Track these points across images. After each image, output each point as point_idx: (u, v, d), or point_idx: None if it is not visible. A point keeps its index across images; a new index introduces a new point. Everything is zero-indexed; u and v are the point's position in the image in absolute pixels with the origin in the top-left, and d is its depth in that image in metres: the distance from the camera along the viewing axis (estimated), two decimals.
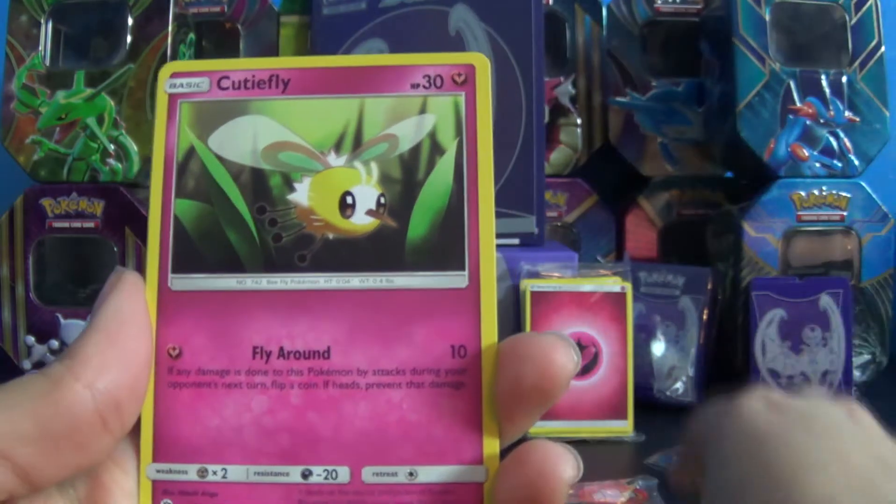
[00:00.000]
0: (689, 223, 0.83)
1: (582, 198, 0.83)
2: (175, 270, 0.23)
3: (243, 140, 0.23)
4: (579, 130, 0.83)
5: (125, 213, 0.69)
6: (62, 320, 0.69)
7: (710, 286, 0.71)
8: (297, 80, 0.23)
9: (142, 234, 0.69)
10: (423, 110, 0.23)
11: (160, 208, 0.23)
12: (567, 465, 0.20)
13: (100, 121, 0.70)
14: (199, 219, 0.23)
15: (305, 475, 0.22)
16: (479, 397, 0.22)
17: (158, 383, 0.22)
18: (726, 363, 0.73)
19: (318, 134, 0.23)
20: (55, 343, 0.69)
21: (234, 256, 0.23)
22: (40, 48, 0.71)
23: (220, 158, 0.23)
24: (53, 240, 0.71)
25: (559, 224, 0.83)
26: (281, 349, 0.22)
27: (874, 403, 0.74)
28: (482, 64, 0.23)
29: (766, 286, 0.69)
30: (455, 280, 0.22)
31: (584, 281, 0.63)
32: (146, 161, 0.70)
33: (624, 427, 0.62)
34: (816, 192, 0.72)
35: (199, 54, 0.81)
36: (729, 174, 0.84)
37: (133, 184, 0.71)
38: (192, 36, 0.76)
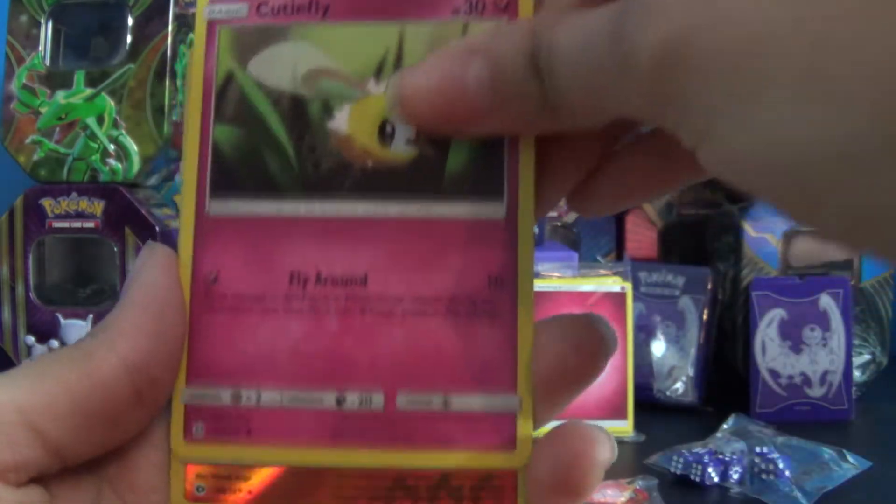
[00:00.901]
0: (689, 223, 0.82)
1: None
2: (213, 196, 0.22)
3: (283, 66, 0.23)
4: None
5: (125, 213, 0.69)
6: (62, 320, 0.69)
7: (710, 286, 0.71)
8: (337, 4, 0.23)
9: (142, 235, 0.69)
10: (464, 36, 0.22)
11: (198, 134, 0.22)
12: (603, 447, 0.19)
13: (100, 121, 0.70)
14: (238, 145, 0.22)
15: (339, 401, 0.21)
16: (513, 327, 0.21)
17: (194, 308, 0.22)
18: (726, 363, 0.73)
19: (359, 61, 0.22)
20: (55, 343, 0.69)
21: (272, 182, 0.22)
22: (40, 48, 0.71)
23: (259, 84, 0.23)
24: (53, 240, 0.71)
25: (559, 224, 0.83)
26: (318, 275, 0.22)
27: (874, 403, 0.74)
28: None
29: (766, 286, 0.69)
30: (493, 210, 0.22)
31: (584, 281, 0.63)
32: (146, 161, 0.70)
33: (624, 427, 0.62)
34: None
35: None
36: None
37: (133, 184, 0.71)
38: (192, 36, 0.76)
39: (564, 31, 0.18)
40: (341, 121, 0.22)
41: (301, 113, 0.22)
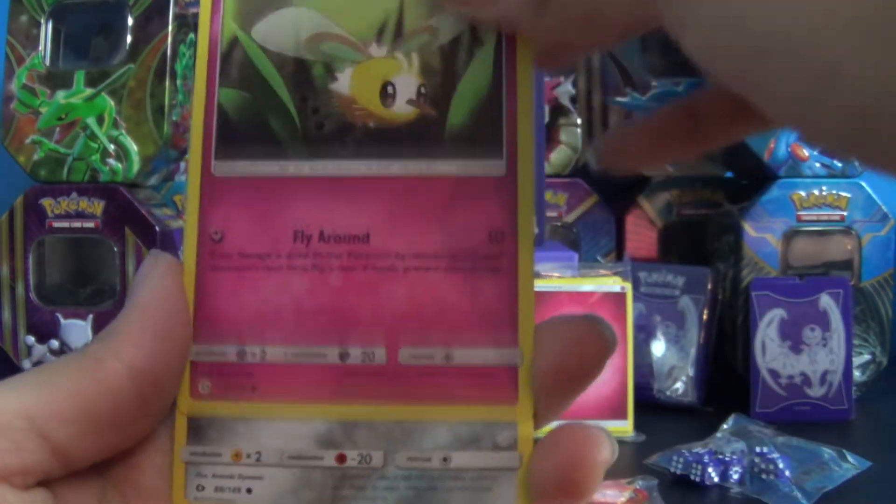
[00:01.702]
0: (689, 223, 0.82)
1: (582, 198, 0.83)
2: (218, 156, 0.23)
3: (286, 31, 0.23)
4: (579, 130, 0.83)
5: (125, 213, 0.69)
6: (62, 320, 0.69)
7: (710, 286, 0.71)
8: None
9: (142, 235, 0.69)
10: None
11: (204, 96, 0.23)
12: (603, 448, 0.20)
13: (100, 121, 0.70)
14: (243, 107, 0.23)
15: (343, 356, 0.22)
16: (514, 282, 0.22)
17: (200, 267, 0.22)
18: (726, 363, 0.73)
19: (360, 24, 0.23)
20: (55, 343, 0.69)
21: (276, 143, 0.23)
22: (40, 48, 0.71)
23: (263, 49, 0.23)
24: (53, 240, 0.71)
25: (559, 224, 0.83)
26: (321, 233, 0.22)
27: (874, 403, 0.74)
28: None
29: (766, 286, 0.69)
30: (493, 167, 0.22)
31: (584, 281, 0.63)
32: (146, 161, 0.70)
33: (624, 427, 0.62)
34: (816, 192, 0.72)
35: None
36: (729, 174, 0.84)
37: (133, 184, 0.71)
38: (192, 36, 0.76)
39: None
40: (344, 83, 0.23)
41: (305, 76, 0.23)
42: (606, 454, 0.20)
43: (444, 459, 0.21)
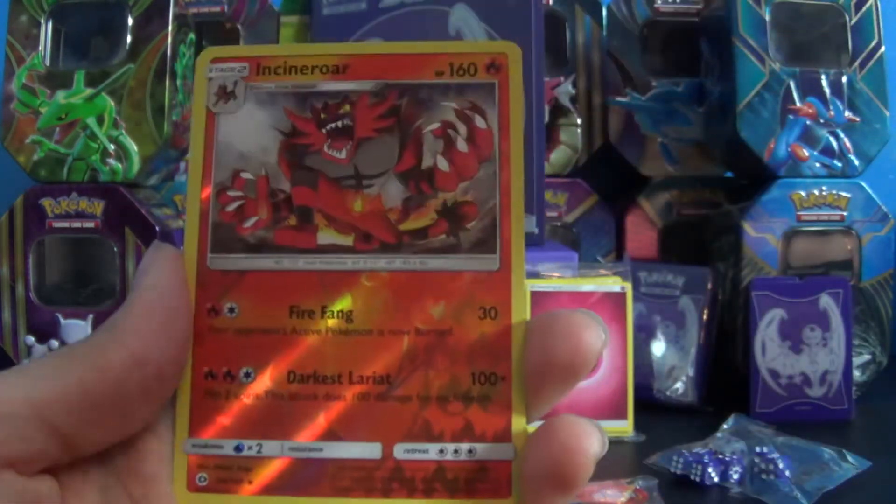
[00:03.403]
0: (689, 223, 0.83)
1: (582, 198, 0.83)
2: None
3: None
4: (579, 130, 0.83)
5: (125, 213, 0.69)
6: (62, 320, 0.69)
7: (710, 286, 0.71)
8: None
9: (142, 234, 0.69)
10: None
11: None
12: (593, 440, 0.20)
13: (100, 121, 0.70)
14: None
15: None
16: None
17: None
18: (726, 363, 0.73)
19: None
20: (55, 343, 0.69)
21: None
22: (40, 48, 0.71)
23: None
24: (53, 240, 0.71)
25: (559, 224, 0.83)
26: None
27: (874, 403, 0.74)
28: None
29: (766, 286, 0.69)
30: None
31: (584, 281, 0.63)
32: (146, 161, 0.70)
33: (624, 427, 0.62)
34: (816, 192, 0.72)
35: (199, 55, 0.81)
36: (729, 174, 0.84)
37: (133, 184, 0.71)
38: (192, 36, 0.76)
39: None
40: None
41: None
42: (597, 446, 0.20)
43: None
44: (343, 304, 0.22)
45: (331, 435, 0.22)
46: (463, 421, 0.22)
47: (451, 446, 0.22)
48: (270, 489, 0.22)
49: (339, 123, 0.24)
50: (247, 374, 0.22)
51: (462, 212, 0.23)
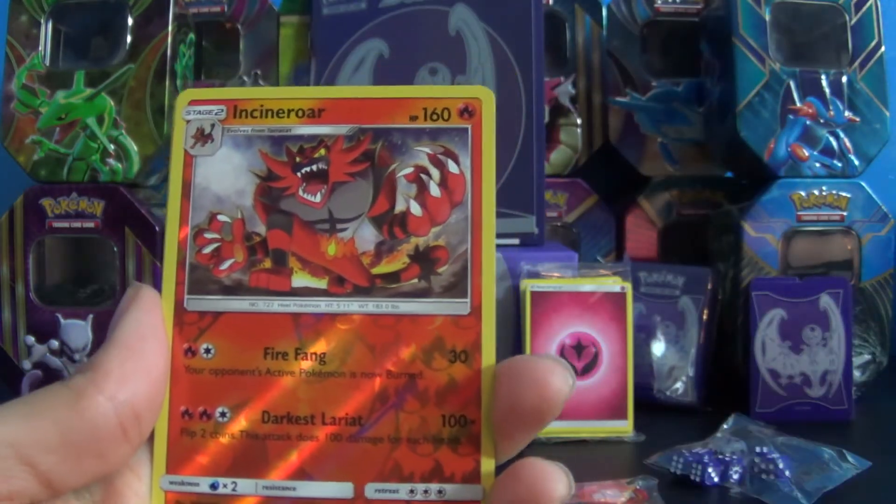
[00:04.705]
0: (689, 223, 0.82)
1: (582, 198, 0.83)
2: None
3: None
4: (579, 130, 0.83)
5: (125, 213, 0.69)
6: (62, 320, 0.69)
7: (710, 286, 0.71)
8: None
9: (142, 234, 0.69)
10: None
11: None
12: (559, 484, 0.20)
13: (100, 121, 0.70)
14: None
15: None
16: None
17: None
18: (726, 363, 0.73)
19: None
20: (55, 343, 0.69)
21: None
22: (40, 48, 0.71)
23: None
24: (53, 240, 0.71)
25: (559, 224, 0.83)
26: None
27: (874, 403, 0.74)
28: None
29: (766, 286, 0.69)
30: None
31: (584, 281, 0.63)
32: (146, 161, 0.70)
33: (624, 427, 0.62)
34: (816, 192, 0.72)
35: (199, 54, 0.81)
36: (729, 174, 0.84)
37: (133, 184, 0.71)
38: (192, 36, 0.76)
39: None
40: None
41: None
42: (563, 489, 0.21)
43: None
44: (317, 346, 0.23)
45: (303, 474, 0.22)
46: (433, 462, 0.22)
47: (420, 486, 0.22)
48: None
49: (314, 167, 0.24)
50: (222, 414, 0.23)
51: (434, 256, 0.23)
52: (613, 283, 0.63)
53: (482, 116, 0.24)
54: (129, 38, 0.70)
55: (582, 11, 0.83)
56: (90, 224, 0.69)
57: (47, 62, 0.71)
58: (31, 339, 0.70)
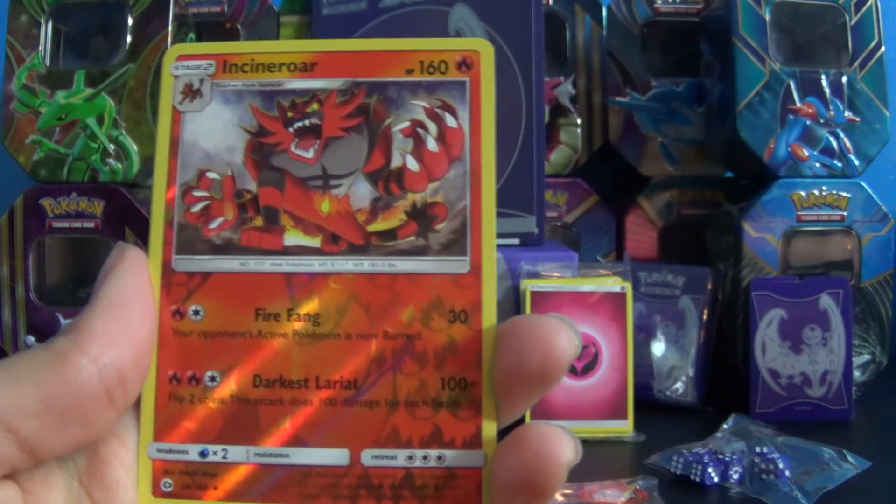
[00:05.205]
0: (689, 223, 0.82)
1: (582, 198, 0.83)
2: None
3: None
4: (579, 130, 0.83)
5: (125, 213, 0.69)
6: (62, 320, 0.69)
7: (710, 286, 0.71)
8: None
9: (142, 234, 0.69)
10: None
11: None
12: (566, 447, 0.19)
13: (100, 121, 0.70)
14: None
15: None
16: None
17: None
18: (726, 363, 0.73)
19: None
20: None
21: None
22: (40, 48, 0.71)
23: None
24: (53, 240, 0.71)
25: (559, 224, 0.83)
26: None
27: (874, 403, 0.74)
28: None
29: (766, 286, 0.69)
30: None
31: (584, 281, 0.63)
32: (146, 161, 0.70)
33: (624, 427, 0.62)
34: (816, 192, 0.72)
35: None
36: (729, 174, 0.84)
37: (133, 184, 0.71)
38: (192, 36, 0.76)
39: None
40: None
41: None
42: (570, 453, 0.19)
43: None
44: (310, 306, 0.22)
45: (297, 441, 0.22)
46: (432, 427, 0.21)
47: (419, 452, 0.21)
48: (236, 495, 0.22)
49: (307, 122, 0.23)
50: (212, 378, 0.22)
51: (432, 213, 0.22)
52: (613, 283, 0.63)
53: (481, 69, 0.23)
54: (129, 38, 0.70)
55: (582, 11, 0.83)
56: (90, 224, 0.69)
57: (47, 62, 0.71)
58: (31, 339, 0.70)
